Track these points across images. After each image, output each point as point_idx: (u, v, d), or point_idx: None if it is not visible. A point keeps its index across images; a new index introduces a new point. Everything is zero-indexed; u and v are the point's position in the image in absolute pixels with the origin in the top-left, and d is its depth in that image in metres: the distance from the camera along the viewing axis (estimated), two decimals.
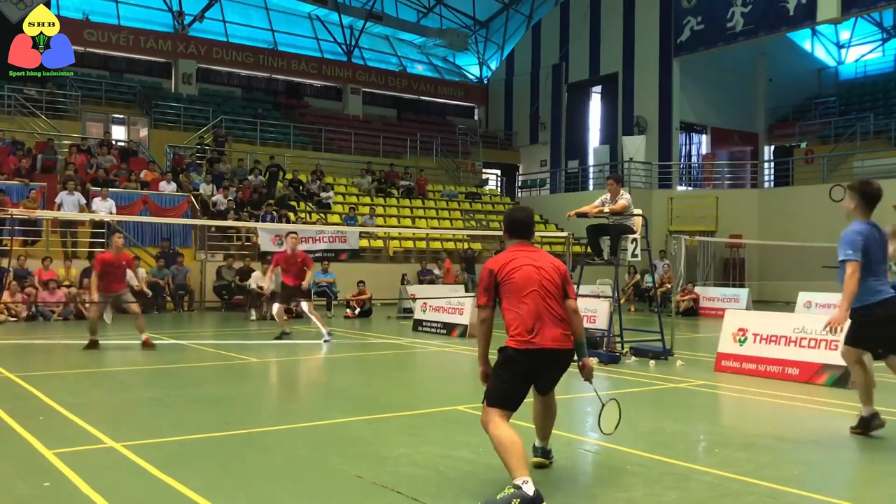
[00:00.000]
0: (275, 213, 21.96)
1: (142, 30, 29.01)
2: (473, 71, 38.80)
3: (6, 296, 15.41)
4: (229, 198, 21.64)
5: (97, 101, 26.60)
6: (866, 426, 6.05)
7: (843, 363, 8.45)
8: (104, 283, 11.18)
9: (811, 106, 32.38)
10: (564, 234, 16.28)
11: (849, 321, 6.00)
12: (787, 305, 18.73)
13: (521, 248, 4.78)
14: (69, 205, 17.70)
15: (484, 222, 27.60)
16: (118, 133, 26.76)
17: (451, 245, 25.35)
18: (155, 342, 11.53)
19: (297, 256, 12.86)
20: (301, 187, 24.94)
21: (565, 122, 33.85)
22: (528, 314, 4.54)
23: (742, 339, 9.55)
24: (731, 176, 29.99)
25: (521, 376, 4.58)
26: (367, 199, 26.37)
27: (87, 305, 16.23)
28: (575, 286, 5.27)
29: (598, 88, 33.16)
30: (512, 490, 4.06)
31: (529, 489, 4.04)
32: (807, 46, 34.03)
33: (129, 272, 11.84)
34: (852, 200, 5.95)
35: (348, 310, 18.01)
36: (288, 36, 33.62)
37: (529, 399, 4.82)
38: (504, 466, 4.26)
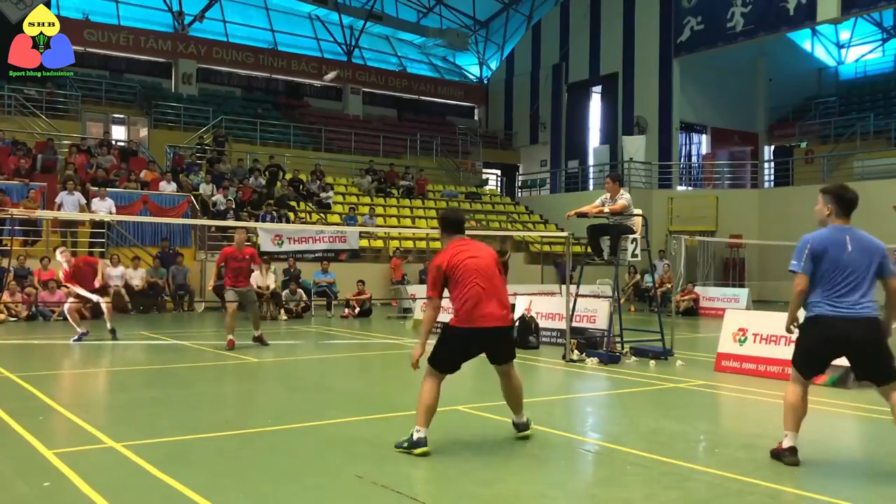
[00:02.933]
0: (275, 213, 21.96)
1: (142, 30, 29.02)
2: (473, 71, 38.81)
3: (6, 296, 15.41)
4: (229, 198, 21.63)
5: (97, 101, 26.60)
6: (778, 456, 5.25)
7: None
8: (230, 278, 11.40)
9: (811, 106, 32.38)
10: (564, 233, 16.23)
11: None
12: (787, 305, 18.70)
13: (461, 242, 5.60)
14: (69, 205, 17.70)
15: (484, 222, 27.58)
16: (118, 133, 26.76)
17: None
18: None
19: (244, 253, 11.76)
20: (301, 187, 24.93)
21: (565, 122, 33.85)
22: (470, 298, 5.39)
23: (742, 339, 9.54)
24: (731, 176, 29.99)
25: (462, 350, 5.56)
26: (367, 199, 26.36)
27: (88, 305, 16.23)
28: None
29: (598, 88, 33.15)
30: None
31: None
32: (807, 46, 34.03)
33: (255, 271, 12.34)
34: (827, 206, 5.33)
35: (347, 309, 18.02)
36: (288, 36, 33.62)
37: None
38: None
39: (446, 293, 5.57)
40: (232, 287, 11.42)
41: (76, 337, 11.92)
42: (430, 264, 5.65)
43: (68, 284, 12.31)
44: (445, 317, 13.99)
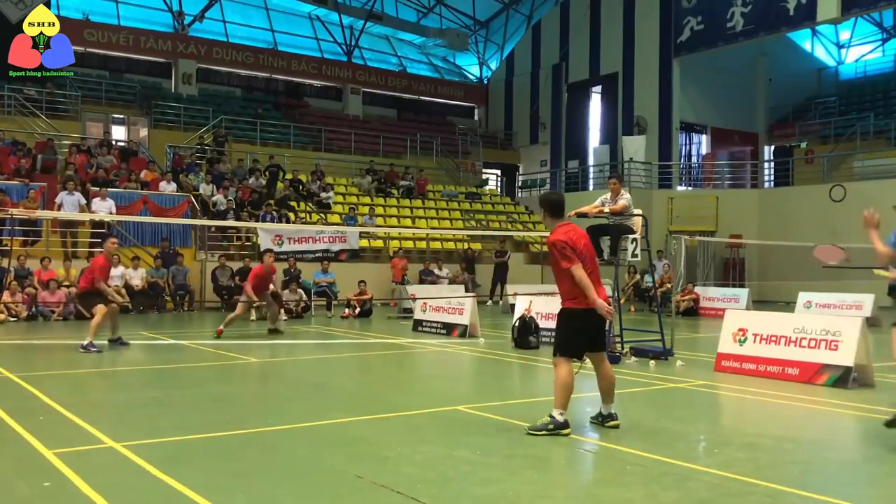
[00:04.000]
0: (275, 213, 21.96)
1: (142, 30, 29.01)
2: (473, 71, 38.81)
3: (6, 296, 15.41)
4: (229, 198, 21.63)
5: (97, 101, 26.59)
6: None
7: (843, 363, 8.47)
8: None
9: (811, 106, 32.38)
10: None
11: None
12: (787, 305, 18.73)
13: (570, 226, 6.10)
14: (69, 205, 17.69)
15: (484, 222, 27.59)
16: (118, 133, 26.75)
17: (451, 245, 25.35)
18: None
19: (271, 270, 13.27)
20: (301, 187, 24.93)
21: (565, 122, 33.84)
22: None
23: (742, 339, 9.54)
24: (731, 176, 29.98)
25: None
26: (367, 199, 26.36)
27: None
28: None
29: (598, 88, 33.14)
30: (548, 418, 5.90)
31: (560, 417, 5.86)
32: (807, 46, 34.03)
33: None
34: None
35: (347, 309, 18.01)
36: (288, 36, 33.62)
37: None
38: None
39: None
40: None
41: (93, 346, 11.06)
42: (549, 240, 6.08)
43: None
44: (446, 317, 14.03)
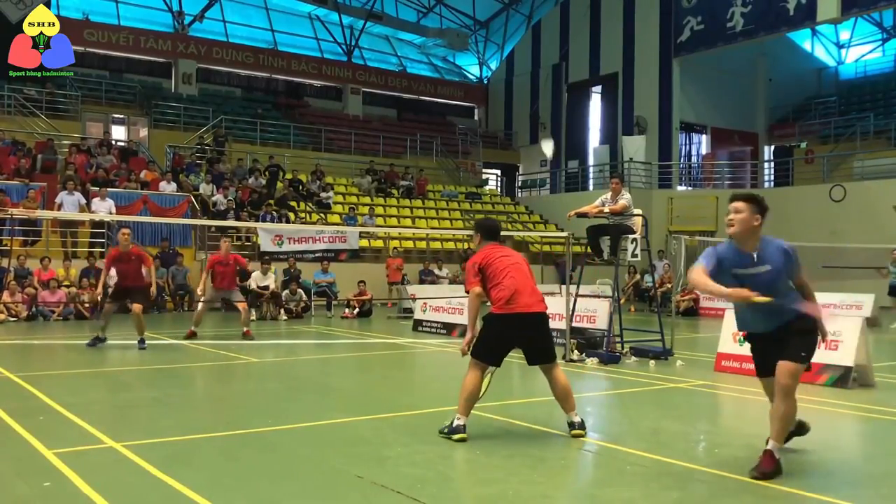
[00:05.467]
0: (275, 213, 21.96)
1: (142, 30, 29.01)
2: (473, 71, 38.80)
3: (6, 296, 15.42)
4: (229, 198, 21.63)
5: (97, 101, 26.59)
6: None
7: (843, 363, 8.47)
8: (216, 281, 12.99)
9: (811, 106, 32.38)
10: (564, 234, 16.25)
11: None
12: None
13: (494, 247, 6.10)
14: (69, 205, 17.69)
15: None
16: (118, 133, 26.74)
17: (451, 245, 25.34)
18: (149, 342, 11.51)
19: (130, 254, 11.68)
20: (301, 187, 24.93)
21: (565, 122, 33.84)
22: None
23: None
24: (731, 176, 29.99)
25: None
26: (367, 199, 26.36)
27: (87, 305, 16.26)
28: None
29: (598, 88, 33.14)
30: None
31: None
32: (807, 46, 34.03)
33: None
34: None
35: (347, 310, 18.01)
36: (288, 36, 33.60)
37: None
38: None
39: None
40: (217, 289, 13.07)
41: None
42: (465, 265, 6.07)
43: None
44: (446, 317, 14.00)
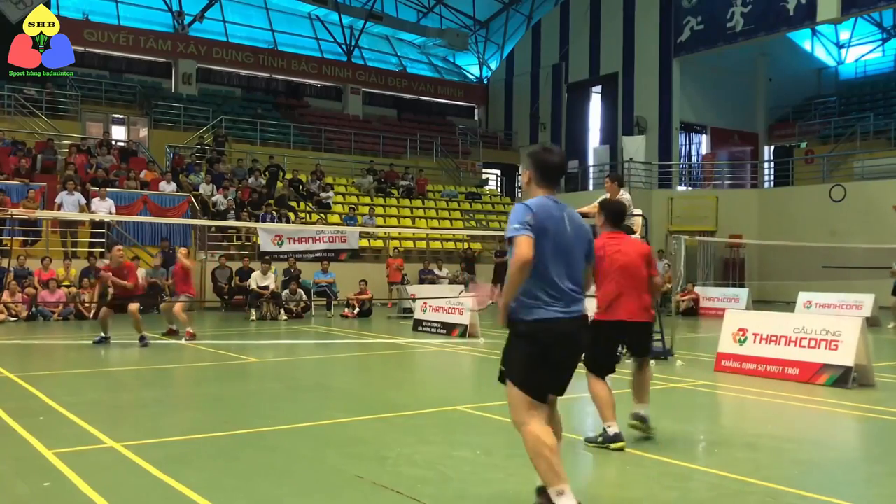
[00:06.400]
0: (275, 213, 21.96)
1: (142, 30, 29.00)
2: (473, 71, 38.80)
3: (6, 296, 15.42)
4: (229, 198, 21.63)
5: (97, 101, 26.58)
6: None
7: (843, 363, 8.47)
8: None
9: (811, 106, 32.37)
10: None
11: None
12: (788, 305, 18.72)
13: (613, 236, 5.81)
14: (69, 205, 17.69)
15: (484, 222, 27.59)
16: (118, 133, 26.74)
17: (451, 245, 25.34)
18: (153, 342, 11.50)
19: (123, 268, 11.93)
20: (301, 187, 24.94)
21: (565, 122, 33.83)
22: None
23: (742, 339, 9.54)
24: (731, 176, 29.97)
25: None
26: (367, 199, 26.36)
27: (87, 305, 16.27)
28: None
29: (598, 88, 33.12)
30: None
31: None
32: (807, 46, 34.01)
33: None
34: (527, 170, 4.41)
35: (347, 309, 18.01)
36: (288, 36, 33.61)
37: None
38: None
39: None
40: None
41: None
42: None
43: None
44: (446, 317, 14.00)
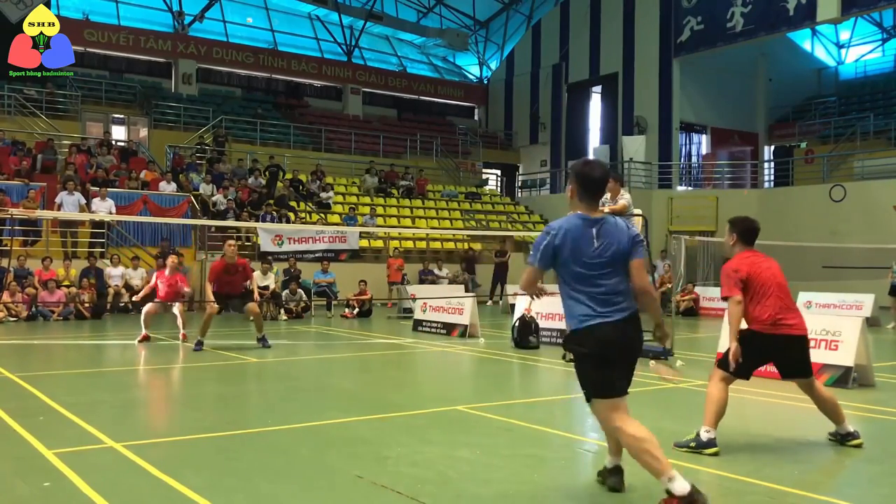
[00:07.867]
0: (275, 213, 21.96)
1: (142, 30, 29.01)
2: (473, 71, 38.80)
3: (6, 296, 15.41)
4: (229, 198, 21.63)
5: (97, 101, 26.59)
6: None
7: (843, 363, 8.46)
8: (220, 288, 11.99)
9: (811, 106, 32.37)
10: None
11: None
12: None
13: (755, 254, 5.90)
14: (69, 205, 17.69)
15: (484, 222, 27.59)
16: (118, 133, 26.75)
17: (451, 245, 25.34)
18: (152, 342, 11.49)
19: (237, 265, 12.20)
20: (301, 187, 24.94)
21: (565, 122, 33.83)
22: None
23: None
24: (731, 176, 29.98)
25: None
26: (368, 199, 26.36)
27: (86, 305, 16.26)
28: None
29: (598, 88, 33.13)
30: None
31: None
32: (807, 46, 34.02)
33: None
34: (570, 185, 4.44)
35: (347, 309, 18.01)
36: (288, 36, 33.61)
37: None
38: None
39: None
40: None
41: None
42: (724, 267, 5.87)
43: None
44: (446, 317, 14.01)
